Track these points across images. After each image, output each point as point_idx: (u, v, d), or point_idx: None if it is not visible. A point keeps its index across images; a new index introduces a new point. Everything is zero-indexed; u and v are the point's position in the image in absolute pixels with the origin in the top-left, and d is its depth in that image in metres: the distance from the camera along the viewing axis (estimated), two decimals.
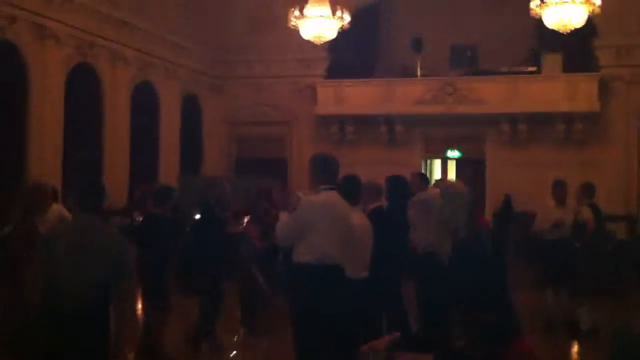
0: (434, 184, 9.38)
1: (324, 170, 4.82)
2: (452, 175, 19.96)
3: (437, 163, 20.45)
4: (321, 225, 4.57)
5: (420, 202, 2.38)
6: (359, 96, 18.58)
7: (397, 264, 5.98)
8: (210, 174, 18.18)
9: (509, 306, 2.49)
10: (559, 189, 8.80)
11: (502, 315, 2.40)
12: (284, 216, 4.84)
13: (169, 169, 17.43)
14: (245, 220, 8.96)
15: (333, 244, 4.61)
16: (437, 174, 20.40)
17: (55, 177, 12.77)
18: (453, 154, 18.99)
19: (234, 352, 6.61)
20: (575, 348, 8.19)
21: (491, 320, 2.37)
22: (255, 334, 8.04)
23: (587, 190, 8.80)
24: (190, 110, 18.89)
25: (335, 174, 4.89)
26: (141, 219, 8.97)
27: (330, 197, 4.71)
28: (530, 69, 18.32)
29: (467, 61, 19.13)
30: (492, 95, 17.60)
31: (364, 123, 18.79)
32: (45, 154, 13.12)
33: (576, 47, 17.11)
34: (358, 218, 5.21)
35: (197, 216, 8.97)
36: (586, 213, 8.41)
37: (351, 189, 5.29)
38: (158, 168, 17.32)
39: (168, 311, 6.86)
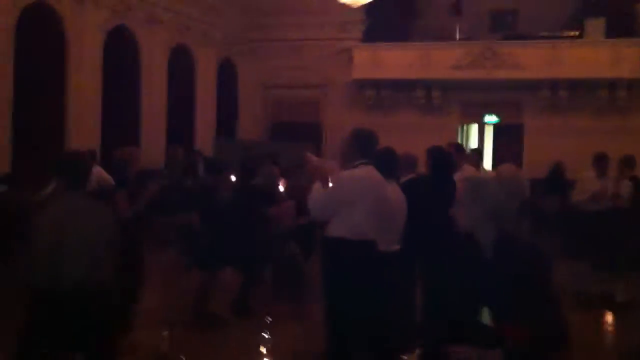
0: (471, 152, 9.25)
1: (364, 146, 4.78)
2: (489, 141, 19.72)
3: (474, 129, 20.17)
4: (359, 201, 4.56)
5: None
6: (396, 60, 18.33)
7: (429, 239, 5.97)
8: (246, 138, 18.25)
9: (554, 314, 2.47)
10: (601, 162, 8.63)
11: (545, 325, 2.38)
12: (317, 188, 4.81)
13: (204, 133, 17.52)
14: (281, 187, 8.81)
15: (369, 220, 4.60)
16: (473, 140, 20.17)
17: (94, 142, 12.95)
18: (490, 119, 18.71)
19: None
20: (611, 320, 8.10)
21: (533, 331, 2.35)
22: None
23: (627, 162, 8.61)
24: (226, 74, 18.89)
25: (374, 150, 4.85)
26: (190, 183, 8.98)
27: (368, 172, 4.69)
28: (572, 34, 17.85)
29: (507, 25, 18.73)
30: (531, 60, 17.20)
31: (400, 88, 18.58)
32: (84, 119, 13.28)
33: (619, 12, 16.60)
34: (393, 192, 5.18)
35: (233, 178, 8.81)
36: (625, 186, 8.25)
37: (387, 163, 5.25)
38: (194, 131, 17.43)
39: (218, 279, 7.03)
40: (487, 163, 18.97)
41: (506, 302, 2.47)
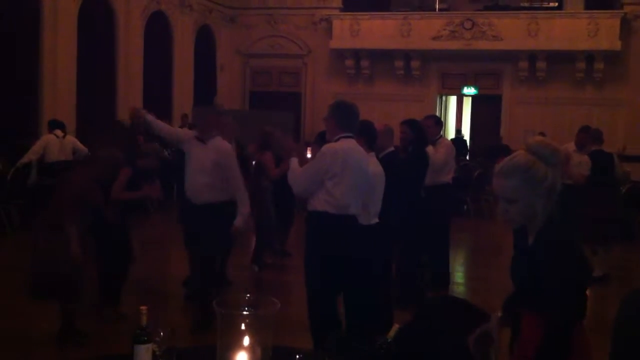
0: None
1: (345, 118, 4.74)
2: (467, 112, 19.78)
3: (453, 100, 20.21)
4: (341, 174, 4.54)
5: (523, 171, 2.10)
6: (376, 30, 18.24)
7: (409, 213, 6.00)
8: (224, 107, 18.10)
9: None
10: (582, 135, 8.63)
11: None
12: (295, 163, 4.79)
13: (182, 101, 17.36)
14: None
15: (351, 193, 4.60)
16: (452, 111, 20.22)
17: (70, 112, 12.78)
18: (469, 91, 18.74)
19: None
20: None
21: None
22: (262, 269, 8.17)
23: (593, 136, 8.59)
24: (204, 41, 18.66)
25: (356, 122, 4.82)
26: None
27: (350, 145, 4.66)
28: (552, 4, 17.86)
29: None
30: (511, 31, 17.21)
31: (379, 58, 18.51)
32: (59, 84, 13.06)
33: None
34: (373, 165, 5.17)
35: None
36: (585, 161, 8.18)
37: (367, 135, 5.23)
38: (172, 100, 17.26)
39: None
40: (466, 134, 19.07)
41: (532, 289, 2.37)
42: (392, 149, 6.13)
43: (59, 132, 10.51)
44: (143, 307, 2.45)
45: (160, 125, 5.95)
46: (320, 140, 10.40)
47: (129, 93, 15.24)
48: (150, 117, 5.82)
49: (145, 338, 2.43)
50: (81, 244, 5.09)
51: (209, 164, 5.63)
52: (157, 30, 16.43)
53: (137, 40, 15.51)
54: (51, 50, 12.91)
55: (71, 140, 10.82)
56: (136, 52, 15.50)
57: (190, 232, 6.01)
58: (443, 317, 2.17)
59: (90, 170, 5.35)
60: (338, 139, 4.67)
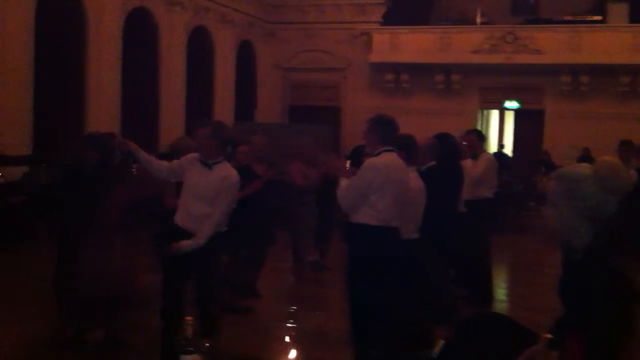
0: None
1: (386, 132, 4.78)
2: (509, 126, 19.58)
3: (494, 114, 20.03)
4: (383, 187, 4.59)
5: (565, 180, 2.11)
6: (415, 44, 18.22)
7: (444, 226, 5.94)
8: (264, 121, 18.25)
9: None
10: (624, 148, 8.50)
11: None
12: (344, 182, 4.84)
13: (223, 115, 17.50)
14: None
15: (393, 206, 4.63)
16: (494, 125, 20.04)
17: (114, 123, 13.00)
18: (511, 104, 18.56)
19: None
20: None
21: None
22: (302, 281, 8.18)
23: (637, 150, 8.44)
24: (245, 56, 18.86)
25: (395, 136, 4.85)
26: None
27: (390, 159, 4.71)
28: (595, 18, 17.61)
29: (529, 9, 18.53)
30: (553, 45, 17.02)
31: (419, 71, 18.47)
32: (103, 100, 13.31)
33: None
34: (413, 179, 5.18)
35: None
36: (632, 176, 8.05)
37: (407, 149, 5.24)
38: (212, 114, 17.44)
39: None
40: (508, 149, 18.88)
41: (581, 311, 2.31)
42: (433, 163, 6.11)
43: None
44: (189, 318, 2.48)
45: (143, 156, 5.10)
46: (356, 154, 10.44)
47: (171, 107, 15.48)
48: (133, 147, 5.06)
49: (192, 349, 2.45)
50: (127, 258, 5.12)
51: (212, 192, 4.90)
52: (199, 45, 16.67)
53: (179, 55, 15.75)
54: (96, 65, 13.18)
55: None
56: (178, 67, 15.73)
57: (177, 262, 5.00)
58: (489, 335, 2.14)
59: (128, 186, 5.38)
60: (379, 153, 4.70)
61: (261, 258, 7.33)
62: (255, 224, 6.96)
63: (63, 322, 5.31)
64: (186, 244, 4.73)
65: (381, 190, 4.58)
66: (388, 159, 4.68)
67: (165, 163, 5.22)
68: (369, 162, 4.69)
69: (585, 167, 2.34)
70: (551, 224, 2.36)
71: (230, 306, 6.50)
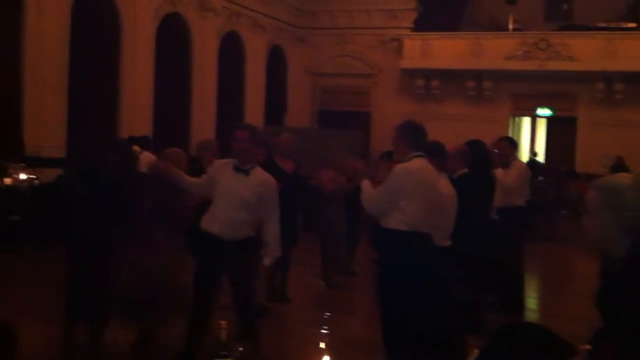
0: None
1: (415, 138, 4.77)
2: (541, 134, 19.38)
3: (526, 121, 19.84)
4: (414, 193, 4.56)
5: (605, 190, 2.07)
6: (447, 50, 18.14)
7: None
8: (293, 126, 18.29)
9: None
10: None
11: None
12: (367, 185, 4.83)
13: (253, 120, 17.59)
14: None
15: (424, 211, 4.61)
16: (525, 133, 19.85)
17: (146, 127, 13.14)
18: (543, 111, 18.36)
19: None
20: None
21: None
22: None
23: None
24: (275, 61, 18.94)
25: (424, 142, 4.83)
26: None
27: (421, 164, 4.69)
28: (629, 25, 17.37)
29: (562, 15, 18.34)
30: (587, 51, 16.81)
31: (450, 77, 18.38)
32: (136, 104, 13.48)
33: None
34: (445, 186, 5.14)
35: None
36: None
37: (438, 156, 5.21)
38: (243, 118, 17.54)
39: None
40: (541, 156, 18.68)
41: (622, 323, 2.26)
42: (465, 170, 6.06)
43: (137, 148, 10.81)
44: (223, 322, 2.49)
45: (187, 182, 5.16)
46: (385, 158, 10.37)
47: (203, 111, 15.61)
48: (175, 173, 5.08)
49: (225, 353, 2.46)
50: (169, 256, 5.11)
51: (254, 198, 4.87)
52: (231, 50, 16.78)
53: (211, 60, 15.88)
54: (130, 69, 13.35)
55: (147, 156, 11.11)
56: (210, 71, 15.86)
57: (217, 269, 5.12)
58: (525, 346, 2.12)
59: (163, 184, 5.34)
60: (410, 158, 4.68)
61: (286, 259, 7.33)
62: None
63: (71, 323, 5.27)
64: (268, 262, 5.03)
65: (412, 195, 4.55)
66: (419, 164, 4.67)
67: (198, 181, 5.19)
68: (400, 167, 4.67)
69: (625, 177, 2.32)
70: (591, 234, 2.33)
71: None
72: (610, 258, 2.35)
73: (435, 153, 5.20)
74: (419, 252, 4.58)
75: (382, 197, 4.66)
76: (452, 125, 17.42)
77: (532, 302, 8.30)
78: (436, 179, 4.85)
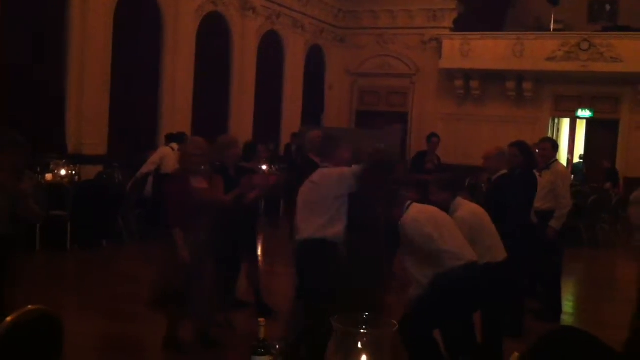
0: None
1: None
2: (581, 136, 19.08)
3: (565, 123, 19.56)
4: (440, 230, 4.46)
5: None
6: (487, 50, 17.94)
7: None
8: (331, 126, 18.31)
9: None
10: None
11: None
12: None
13: (291, 119, 17.69)
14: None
15: (459, 241, 4.52)
16: (565, 135, 19.57)
17: (185, 125, 13.28)
18: (584, 113, 18.07)
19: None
20: None
21: None
22: None
23: None
24: (314, 60, 18.98)
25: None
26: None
27: (424, 208, 4.61)
28: None
29: (606, 16, 18.03)
30: (631, 53, 16.47)
31: (490, 78, 18.19)
32: (176, 102, 13.64)
33: None
34: (467, 206, 5.02)
35: None
36: None
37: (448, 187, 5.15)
38: (281, 117, 17.62)
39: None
40: (577, 158, 18.40)
41: None
42: (504, 171, 6.00)
43: (174, 145, 10.94)
44: (262, 320, 2.50)
45: None
46: (418, 160, 10.28)
47: (242, 110, 15.72)
48: None
49: (263, 350, 2.47)
50: (193, 250, 5.17)
51: (336, 191, 4.93)
52: (270, 49, 16.87)
53: (250, 59, 15.98)
54: (171, 68, 13.52)
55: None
56: (249, 70, 15.96)
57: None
58: (569, 352, 2.09)
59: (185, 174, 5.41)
60: (409, 205, 4.57)
61: None
62: None
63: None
64: None
65: (439, 233, 4.42)
66: (421, 208, 4.57)
67: None
68: (407, 220, 4.50)
69: None
70: (635, 222, 2.33)
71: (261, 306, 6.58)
72: None
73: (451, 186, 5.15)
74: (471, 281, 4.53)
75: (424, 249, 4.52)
76: (492, 126, 17.30)
77: (568, 306, 8.16)
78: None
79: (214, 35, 14.83)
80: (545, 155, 7.18)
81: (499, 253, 4.95)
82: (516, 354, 2.30)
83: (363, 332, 2.17)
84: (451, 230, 4.50)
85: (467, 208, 4.93)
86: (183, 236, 5.13)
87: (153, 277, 5.45)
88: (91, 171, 10.98)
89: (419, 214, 4.47)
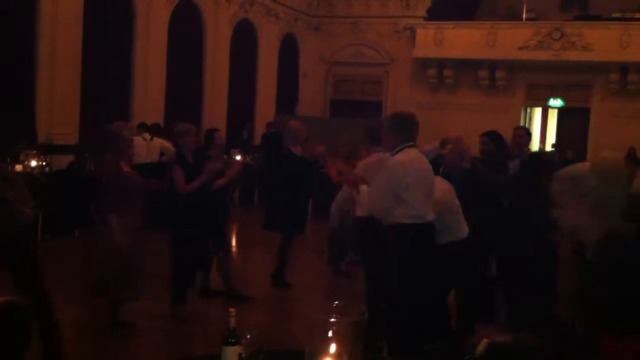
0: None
1: (408, 129, 4.73)
2: (552, 124, 19.27)
3: (538, 111, 19.73)
4: (415, 184, 4.54)
5: (571, 178, 2.11)
6: (460, 39, 18.02)
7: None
8: (305, 114, 18.28)
9: None
10: None
11: None
12: (365, 189, 4.83)
13: (265, 108, 17.63)
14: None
15: (425, 201, 4.59)
16: (537, 123, 19.75)
17: (158, 115, 13.18)
18: (555, 102, 18.24)
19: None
20: None
21: None
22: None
23: None
24: (288, 49, 18.91)
25: (416, 132, 4.78)
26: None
27: (414, 155, 4.65)
28: None
29: (578, 5, 18.18)
30: (602, 42, 16.66)
31: (463, 67, 18.28)
32: (148, 92, 13.51)
33: None
34: (439, 181, 5.07)
35: None
36: None
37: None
38: (255, 106, 17.55)
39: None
40: (549, 146, 18.59)
41: (607, 309, 2.28)
42: (467, 166, 5.93)
43: (146, 135, 10.87)
44: (232, 310, 2.50)
45: None
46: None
47: (215, 99, 15.62)
48: None
49: (233, 340, 2.47)
50: (128, 235, 5.24)
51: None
52: (244, 38, 16.77)
53: (224, 48, 15.87)
54: (143, 57, 13.38)
55: (159, 142, 11.15)
56: (223, 59, 15.86)
57: None
58: (540, 339, 2.12)
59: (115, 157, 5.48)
60: (402, 149, 4.63)
61: (286, 245, 7.44)
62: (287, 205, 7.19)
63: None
64: None
65: (411, 186, 4.52)
66: (412, 155, 4.63)
67: None
68: (393, 161, 4.62)
69: (582, 165, 2.44)
70: (562, 225, 2.41)
71: (234, 293, 6.59)
72: (582, 246, 2.40)
73: None
74: (427, 244, 4.57)
75: (381, 192, 4.62)
76: (465, 115, 17.37)
77: None
78: (430, 167, 4.81)
79: (186, 23, 14.69)
80: (520, 143, 7.22)
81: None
82: (485, 341, 2.33)
83: (333, 321, 2.18)
84: (425, 190, 4.64)
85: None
86: (117, 220, 5.21)
87: (89, 262, 5.47)
88: (62, 161, 10.83)
89: (407, 159, 4.65)
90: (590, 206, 2.32)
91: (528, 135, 7.48)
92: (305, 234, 7.99)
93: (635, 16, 17.22)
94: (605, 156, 3.18)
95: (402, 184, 4.52)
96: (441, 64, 18.49)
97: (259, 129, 16.52)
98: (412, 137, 4.72)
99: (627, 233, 2.30)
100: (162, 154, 10.93)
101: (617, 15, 17.31)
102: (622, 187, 2.37)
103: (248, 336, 2.52)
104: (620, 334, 2.23)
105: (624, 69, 16.85)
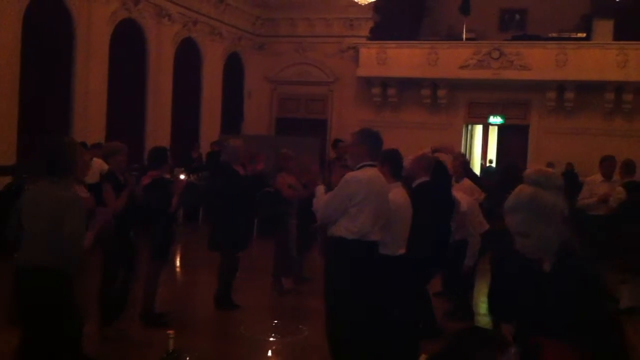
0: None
1: (372, 147, 4.81)
2: (493, 141, 19.71)
3: (479, 129, 20.15)
4: (364, 201, 4.61)
5: (530, 200, 2.09)
6: (403, 58, 18.30)
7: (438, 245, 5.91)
8: (251, 133, 18.25)
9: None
10: (606, 164, 8.59)
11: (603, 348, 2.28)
12: (321, 191, 4.88)
13: (210, 126, 17.53)
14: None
15: (373, 220, 4.64)
16: (478, 140, 20.17)
17: (99, 134, 12.96)
18: (495, 120, 18.68)
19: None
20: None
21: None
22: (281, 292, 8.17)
23: (626, 167, 8.52)
24: (233, 68, 18.88)
25: (380, 151, 4.88)
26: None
27: (372, 173, 4.74)
28: (580, 35, 17.80)
29: (516, 25, 18.71)
30: (539, 61, 17.15)
31: (406, 86, 18.56)
32: (89, 109, 13.28)
33: (628, 14, 16.54)
34: (398, 194, 5.17)
35: None
36: (619, 192, 8.12)
37: (393, 164, 5.26)
38: (200, 125, 17.43)
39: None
40: (493, 163, 18.99)
41: (556, 318, 2.33)
42: (425, 179, 6.01)
43: (87, 155, 10.63)
44: (170, 332, 2.47)
45: None
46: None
47: (159, 117, 15.46)
48: None
49: None
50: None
51: None
52: (187, 57, 16.67)
53: (167, 66, 15.75)
54: (84, 75, 13.16)
55: (98, 163, 10.94)
56: (166, 78, 15.72)
57: None
58: (474, 350, 2.15)
59: None
60: (362, 167, 4.72)
61: (231, 263, 7.34)
62: (230, 224, 7.14)
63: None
64: None
65: (362, 203, 4.60)
66: (370, 173, 4.72)
67: None
68: (352, 175, 4.71)
69: (524, 187, 2.45)
70: (532, 252, 2.40)
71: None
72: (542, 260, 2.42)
73: (390, 161, 5.25)
74: (366, 261, 4.61)
75: (333, 203, 4.69)
76: (409, 132, 17.60)
77: (483, 307, 8.38)
78: (386, 188, 4.88)
79: (128, 41, 14.53)
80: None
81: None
82: (424, 356, 2.34)
83: (272, 340, 2.16)
84: (375, 209, 4.70)
85: None
86: None
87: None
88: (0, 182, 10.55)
89: (363, 176, 4.76)
90: (556, 218, 2.36)
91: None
92: (251, 253, 7.93)
93: (571, 36, 17.80)
94: (532, 169, 3.23)
95: (353, 199, 4.59)
96: (385, 82, 18.73)
97: (204, 147, 16.39)
98: (376, 155, 4.81)
99: (575, 244, 2.35)
100: (101, 175, 10.71)
101: (554, 35, 17.86)
102: (562, 189, 2.41)
103: (187, 358, 2.49)
104: (562, 338, 2.29)
105: (561, 87, 17.37)
